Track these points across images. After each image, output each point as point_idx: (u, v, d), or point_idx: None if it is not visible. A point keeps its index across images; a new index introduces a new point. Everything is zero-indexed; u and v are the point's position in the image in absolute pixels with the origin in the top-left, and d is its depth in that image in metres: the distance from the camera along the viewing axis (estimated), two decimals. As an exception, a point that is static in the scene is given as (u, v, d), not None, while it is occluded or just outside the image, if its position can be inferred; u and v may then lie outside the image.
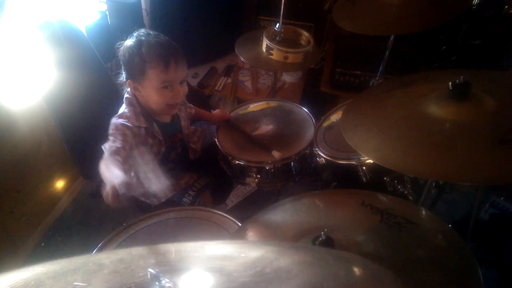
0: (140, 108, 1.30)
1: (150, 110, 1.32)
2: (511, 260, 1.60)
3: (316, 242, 0.75)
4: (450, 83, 0.75)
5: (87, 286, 0.38)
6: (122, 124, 1.24)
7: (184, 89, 1.30)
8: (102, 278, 0.40)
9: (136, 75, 1.24)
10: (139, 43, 1.22)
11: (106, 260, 0.43)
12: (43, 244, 2.00)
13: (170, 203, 1.44)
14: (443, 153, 0.72)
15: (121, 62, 1.28)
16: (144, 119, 1.30)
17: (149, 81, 1.22)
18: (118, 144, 1.20)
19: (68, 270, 0.42)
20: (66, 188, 2.22)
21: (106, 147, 1.20)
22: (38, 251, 1.96)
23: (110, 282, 0.40)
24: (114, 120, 1.26)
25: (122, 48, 1.26)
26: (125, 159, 1.19)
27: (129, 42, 1.24)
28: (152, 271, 0.40)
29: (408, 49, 2.25)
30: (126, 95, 1.32)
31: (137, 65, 1.21)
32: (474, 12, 2.03)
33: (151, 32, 1.26)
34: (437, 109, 0.77)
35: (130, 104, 1.30)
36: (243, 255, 0.40)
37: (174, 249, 0.44)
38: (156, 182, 1.38)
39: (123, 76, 1.31)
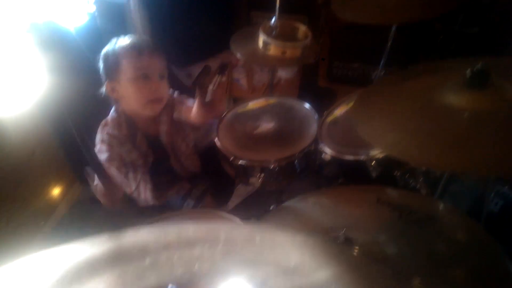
0: (124, 116, 1.28)
1: (135, 116, 1.29)
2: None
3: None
4: (468, 70, 0.72)
5: None
6: (108, 133, 1.24)
7: (165, 85, 1.26)
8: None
9: (111, 72, 1.21)
10: (112, 44, 1.23)
11: (152, 243, 0.40)
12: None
13: (170, 209, 1.41)
14: (463, 144, 0.69)
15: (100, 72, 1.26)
16: (127, 126, 1.27)
17: (124, 73, 1.19)
18: (104, 156, 1.20)
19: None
20: (63, 195, 2.16)
21: (100, 156, 1.20)
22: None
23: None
24: (101, 128, 1.27)
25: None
26: (119, 168, 1.19)
27: (105, 48, 1.24)
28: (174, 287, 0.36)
29: (405, 40, 2.22)
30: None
31: (111, 61, 1.20)
32: (471, 0, 2.01)
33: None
34: (455, 99, 0.73)
35: (116, 110, 1.29)
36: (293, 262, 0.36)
37: (223, 236, 0.40)
38: (143, 189, 1.36)
39: (103, 88, 1.28)
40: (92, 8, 2.15)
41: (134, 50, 1.18)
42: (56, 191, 2.13)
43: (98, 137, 1.25)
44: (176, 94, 1.40)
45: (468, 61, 0.79)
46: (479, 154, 0.68)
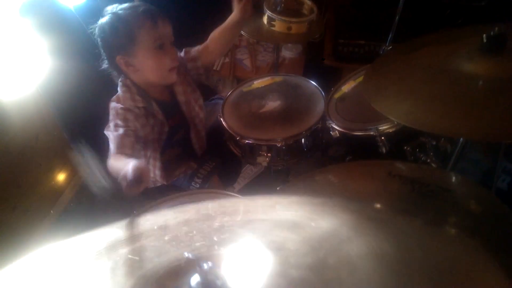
0: (135, 88, 1.24)
1: (148, 86, 1.25)
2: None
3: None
4: (484, 35, 0.69)
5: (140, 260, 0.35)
6: (122, 108, 1.18)
7: (176, 50, 1.24)
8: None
9: (124, 45, 1.15)
10: (115, 14, 1.14)
11: (172, 220, 0.39)
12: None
13: (177, 190, 1.40)
14: (479, 111, 0.67)
15: (100, 44, 1.20)
16: (141, 98, 1.23)
17: (141, 44, 1.14)
18: (121, 131, 1.15)
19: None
20: (69, 180, 2.16)
21: (110, 136, 1.16)
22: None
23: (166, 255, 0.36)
24: (113, 104, 1.21)
25: (97, 28, 1.18)
26: (132, 146, 1.15)
27: (103, 19, 1.16)
28: (190, 255, 0.35)
29: (412, 15, 2.16)
30: (120, 78, 1.25)
31: (123, 33, 1.13)
32: (479, -28, 1.95)
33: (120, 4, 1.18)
34: (470, 65, 0.71)
35: (124, 85, 1.24)
36: (313, 224, 0.35)
37: (242, 208, 0.40)
38: (152, 168, 1.35)
39: (105, 62, 1.23)
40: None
41: (148, 19, 1.11)
42: (61, 177, 2.13)
43: (112, 113, 1.20)
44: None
45: (480, 29, 0.76)
46: (494, 121, 0.66)
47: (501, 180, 1.77)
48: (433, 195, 0.73)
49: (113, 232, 0.43)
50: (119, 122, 1.16)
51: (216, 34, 1.37)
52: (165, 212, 0.41)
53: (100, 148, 1.26)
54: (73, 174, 2.18)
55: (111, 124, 1.18)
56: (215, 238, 0.35)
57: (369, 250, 0.32)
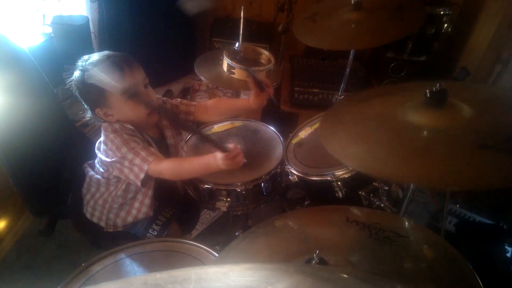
0: (124, 125, 1.20)
1: (135, 125, 1.21)
2: (486, 267, 1.62)
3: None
4: (427, 90, 0.76)
5: None
6: (126, 134, 1.15)
7: (152, 92, 1.22)
8: None
9: (98, 99, 1.15)
10: (85, 71, 1.13)
11: None
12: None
13: (132, 238, 1.32)
14: (422, 159, 0.72)
15: (79, 98, 1.18)
16: (133, 128, 1.20)
17: (113, 97, 1.13)
18: (143, 153, 1.13)
19: None
20: (9, 228, 1.98)
21: (136, 160, 1.12)
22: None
23: None
24: (112, 136, 1.15)
25: (73, 83, 1.17)
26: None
27: (76, 74, 1.16)
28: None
29: (360, 67, 2.34)
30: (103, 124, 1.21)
31: (94, 90, 1.12)
32: (418, 31, 2.17)
33: (93, 54, 1.17)
34: (415, 117, 0.78)
35: (114, 123, 1.19)
36: (270, 287, 0.33)
37: (194, 276, 0.37)
38: (142, 196, 1.29)
39: (88, 113, 1.21)
40: (48, 29, 2.07)
41: (116, 74, 1.11)
42: (0, 224, 1.95)
43: (117, 141, 1.15)
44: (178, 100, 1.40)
45: (424, 84, 0.84)
46: (438, 169, 0.71)
47: (448, 222, 1.86)
48: (390, 241, 0.75)
49: None
50: (133, 145, 1.14)
51: (221, 104, 1.44)
52: (109, 285, 0.38)
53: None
54: (15, 221, 2.01)
55: (125, 149, 1.13)
56: None
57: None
